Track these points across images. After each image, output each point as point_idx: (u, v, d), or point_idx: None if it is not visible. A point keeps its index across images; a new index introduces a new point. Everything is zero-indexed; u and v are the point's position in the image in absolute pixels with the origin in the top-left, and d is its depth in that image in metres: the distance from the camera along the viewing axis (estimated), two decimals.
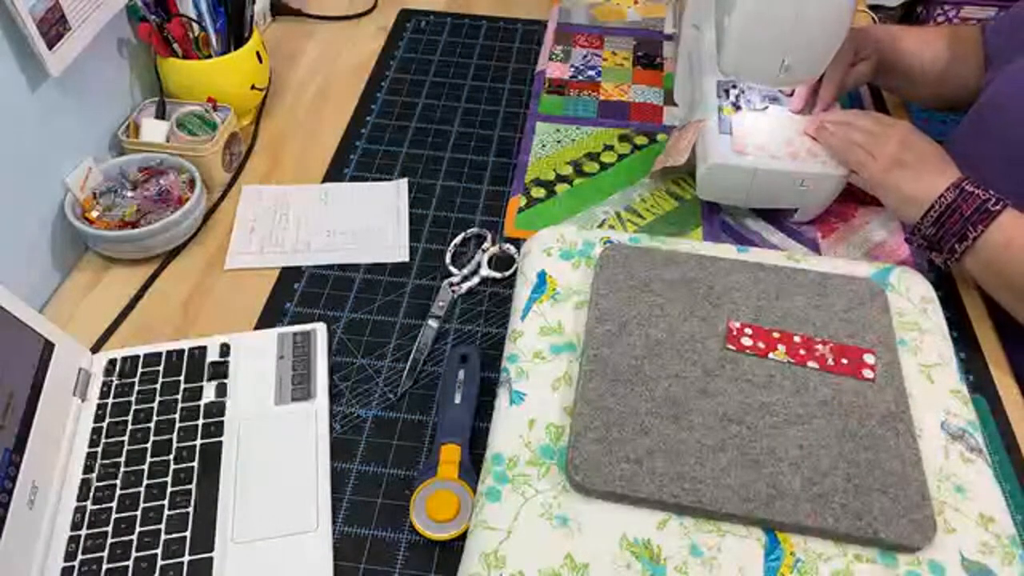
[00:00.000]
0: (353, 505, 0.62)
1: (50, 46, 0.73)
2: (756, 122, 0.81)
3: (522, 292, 0.70)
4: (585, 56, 1.07)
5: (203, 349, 0.69)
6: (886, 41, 0.87)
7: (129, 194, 0.80)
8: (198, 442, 0.63)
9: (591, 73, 1.05)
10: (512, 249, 0.81)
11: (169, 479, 0.61)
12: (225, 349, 0.69)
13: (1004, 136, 0.77)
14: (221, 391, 0.67)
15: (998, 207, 0.67)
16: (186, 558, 0.57)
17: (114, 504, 0.60)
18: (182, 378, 0.67)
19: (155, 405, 0.65)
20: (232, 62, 0.90)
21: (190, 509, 0.59)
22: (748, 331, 0.64)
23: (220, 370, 0.68)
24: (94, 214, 0.78)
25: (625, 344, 0.63)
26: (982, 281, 0.72)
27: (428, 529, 0.59)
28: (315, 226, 0.84)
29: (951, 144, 0.82)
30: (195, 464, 0.62)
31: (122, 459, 0.62)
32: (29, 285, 0.75)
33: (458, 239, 0.82)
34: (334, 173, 0.90)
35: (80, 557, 0.57)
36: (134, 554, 0.57)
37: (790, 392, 0.60)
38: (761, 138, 0.79)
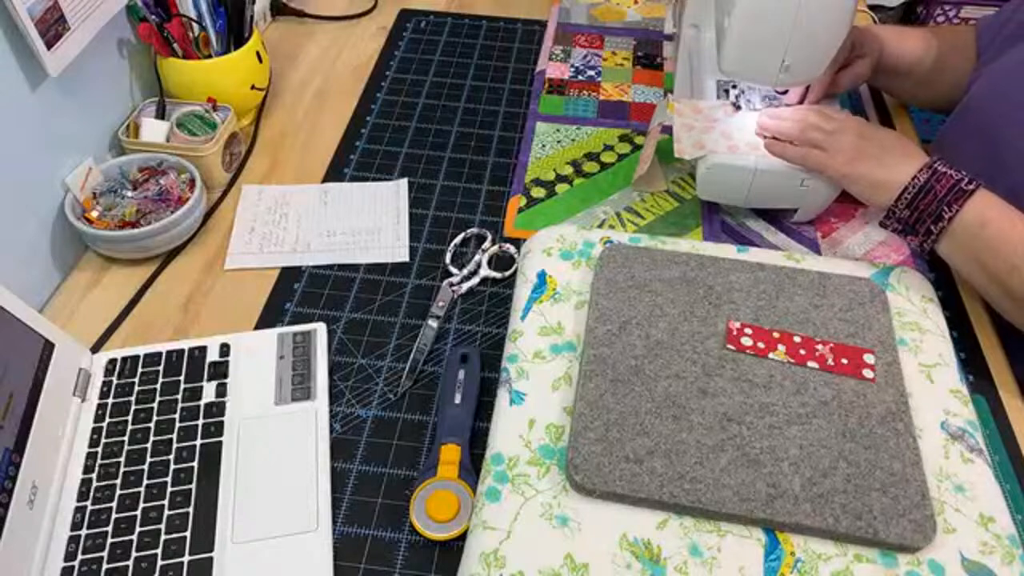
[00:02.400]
0: (353, 505, 0.62)
1: (49, 46, 0.72)
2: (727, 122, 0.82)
3: (522, 292, 0.70)
4: (585, 56, 1.07)
5: (203, 349, 0.69)
6: (878, 40, 0.87)
7: (129, 194, 0.80)
8: (198, 442, 0.63)
9: (591, 73, 1.05)
10: (512, 249, 0.81)
11: (169, 479, 0.61)
12: (225, 349, 0.69)
13: (985, 135, 0.77)
14: (221, 391, 0.67)
15: (971, 186, 0.67)
16: (186, 558, 0.57)
17: (114, 504, 0.60)
18: (182, 378, 0.67)
19: (155, 405, 0.65)
20: (232, 62, 0.90)
21: (190, 509, 0.59)
22: (748, 331, 0.64)
23: (220, 370, 0.68)
24: (94, 214, 0.78)
25: (625, 344, 0.63)
26: (958, 264, 0.71)
27: (428, 529, 0.59)
28: (315, 226, 0.84)
29: (937, 144, 0.82)
30: (195, 464, 0.62)
31: (122, 459, 0.62)
32: (29, 285, 0.75)
33: (458, 239, 0.82)
34: (334, 173, 0.90)
35: (80, 557, 0.57)
36: (134, 554, 0.57)
37: (790, 392, 0.60)
38: (750, 137, 0.79)
